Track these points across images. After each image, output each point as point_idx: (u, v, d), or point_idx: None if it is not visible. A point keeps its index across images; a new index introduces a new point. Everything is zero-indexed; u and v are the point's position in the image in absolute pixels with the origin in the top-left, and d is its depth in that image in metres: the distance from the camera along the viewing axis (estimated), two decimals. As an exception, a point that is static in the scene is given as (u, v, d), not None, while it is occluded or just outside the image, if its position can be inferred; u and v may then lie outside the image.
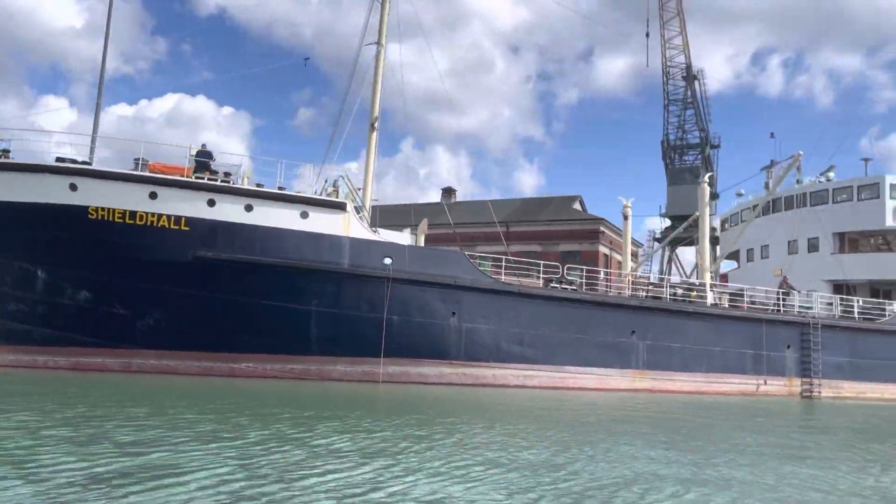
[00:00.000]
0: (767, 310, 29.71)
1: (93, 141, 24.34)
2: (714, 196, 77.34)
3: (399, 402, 18.94)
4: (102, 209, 22.38)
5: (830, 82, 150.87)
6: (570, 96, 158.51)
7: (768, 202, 38.43)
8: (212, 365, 23.11)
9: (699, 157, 78.92)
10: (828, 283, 34.44)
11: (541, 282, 26.98)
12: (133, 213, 22.45)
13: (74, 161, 23.19)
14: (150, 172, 22.94)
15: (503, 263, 26.30)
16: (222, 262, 22.59)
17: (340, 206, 23.90)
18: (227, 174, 23.54)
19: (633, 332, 26.63)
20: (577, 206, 68.41)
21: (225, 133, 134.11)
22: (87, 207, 22.39)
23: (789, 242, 36.95)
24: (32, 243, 22.78)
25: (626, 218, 38.03)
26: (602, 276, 31.30)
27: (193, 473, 7.25)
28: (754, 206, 39.99)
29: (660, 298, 28.08)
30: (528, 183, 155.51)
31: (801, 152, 32.17)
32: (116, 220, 22.44)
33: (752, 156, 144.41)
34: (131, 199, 22.48)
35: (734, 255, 42.69)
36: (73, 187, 22.37)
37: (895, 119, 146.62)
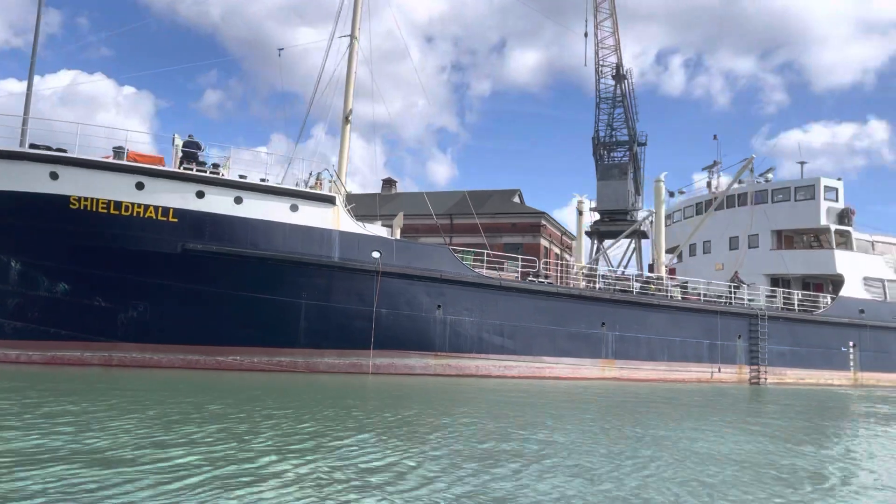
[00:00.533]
0: (721, 302, 31.71)
1: (24, 123, 23.01)
2: (638, 192, 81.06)
3: (392, 394, 19.39)
4: (85, 199, 21.70)
5: (727, 83, 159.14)
6: (483, 88, 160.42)
7: (710, 200, 40.73)
8: (197, 358, 22.84)
9: (627, 154, 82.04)
10: (766, 276, 36.90)
11: (518, 275, 27.86)
12: (118, 204, 21.86)
13: (49, 148, 22.34)
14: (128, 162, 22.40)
15: (484, 258, 27.04)
16: (212, 254, 22.33)
17: (330, 200, 24.01)
18: (215, 165, 23.23)
19: (603, 323, 27.96)
20: (516, 199, 69.98)
21: (125, 114, 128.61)
22: (69, 197, 21.65)
23: (730, 238, 39.30)
24: (6, 233, 21.82)
25: (580, 213, 39.51)
26: (575, 270, 32.49)
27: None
28: (697, 203, 42.37)
29: (627, 292, 29.54)
30: (442, 174, 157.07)
31: (754, 156, 34.28)
32: (100, 210, 21.80)
33: (657, 152, 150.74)
34: (117, 190, 21.88)
35: (674, 250, 44.94)
36: (54, 176, 21.58)
37: (784, 120, 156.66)
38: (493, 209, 63.92)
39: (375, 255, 24.09)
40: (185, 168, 22.65)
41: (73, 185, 21.65)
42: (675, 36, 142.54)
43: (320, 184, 25.25)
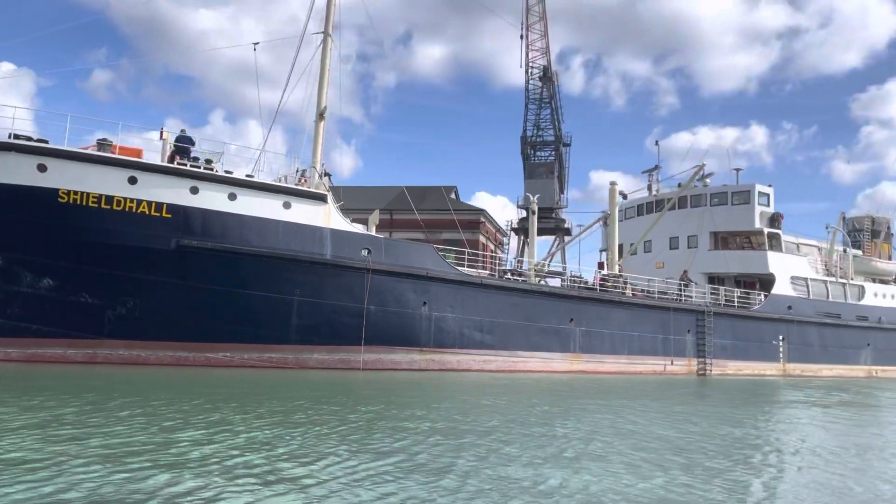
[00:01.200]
0: (673, 300, 33.89)
1: None
2: (562, 190, 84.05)
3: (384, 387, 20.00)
4: (75, 193, 21.13)
5: (624, 85, 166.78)
6: (388, 80, 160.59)
7: (651, 202, 43.18)
8: (187, 355, 22.65)
9: (553, 153, 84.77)
10: (704, 275, 39.54)
11: (491, 272, 28.93)
12: (110, 198, 21.41)
13: (30, 138, 21.58)
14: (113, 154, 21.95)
15: (466, 256, 27.94)
16: (206, 250, 22.21)
17: (322, 198, 24.27)
18: (208, 161, 23.03)
19: (571, 319, 29.46)
20: (452, 195, 71.17)
21: (3, 91, 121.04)
22: (58, 190, 21.03)
23: (670, 239, 41.80)
24: (-13, 227, 20.97)
25: (533, 213, 40.97)
26: (534, 267, 33.81)
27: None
28: (638, 205, 44.73)
29: (592, 289, 31.17)
30: (347, 165, 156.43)
31: (704, 163, 36.67)
32: (91, 204, 21.28)
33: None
34: (109, 184, 21.42)
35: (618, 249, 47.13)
36: (43, 168, 20.91)
37: (674, 122, 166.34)
38: (433, 205, 64.82)
39: (365, 252, 24.55)
40: (179, 163, 22.38)
41: (63, 178, 21.04)
42: (577, 36, 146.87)
43: (305, 181, 25.44)
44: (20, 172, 20.81)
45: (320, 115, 30.07)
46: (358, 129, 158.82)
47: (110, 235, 21.47)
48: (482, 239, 63.84)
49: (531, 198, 41.36)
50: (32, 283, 21.54)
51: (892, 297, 44.45)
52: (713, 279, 39.41)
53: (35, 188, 20.91)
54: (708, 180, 41.70)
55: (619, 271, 36.00)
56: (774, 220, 39.44)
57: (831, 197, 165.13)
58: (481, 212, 64.69)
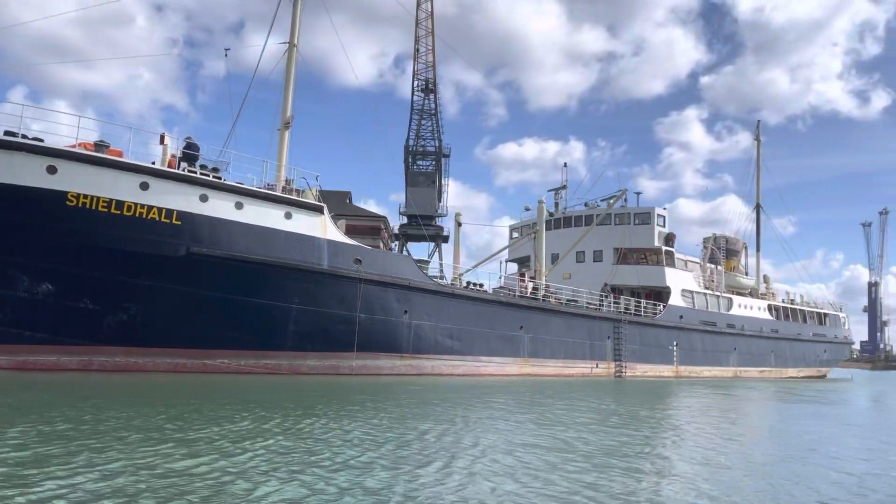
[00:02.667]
0: (595, 309, 37.65)
1: None
2: (440, 199, 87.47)
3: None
4: (85, 196, 20.63)
5: (457, 94, 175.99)
6: (218, 69, 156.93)
7: (560, 218, 47.17)
8: (184, 361, 22.70)
9: (433, 163, 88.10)
10: (608, 287, 43.95)
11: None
12: (120, 203, 21.09)
13: (39, 139, 20.79)
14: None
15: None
16: (215, 258, 22.41)
17: (318, 209, 25.12)
18: (215, 169, 23.16)
19: (521, 326, 32.17)
20: (347, 201, 71.88)
21: None
22: (67, 193, 20.44)
23: (577, 252, 45.89)
24: (-17, 228, 19.94)
25: (458, 225, 43.35)
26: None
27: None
28: (547, 221, 48.48)
29: (537, 300, 34.07)
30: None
31: (626, 189, 40.78)
32: (100, 209, 20.86)
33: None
34: (120, 188, 21.09)
35: (524, 261, 50.64)
36: (52, 170, 20.24)
37: (503, 132, 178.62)
38: (335, 210, 65.31)
39: (355, 263, 25.69)
40: (189, 170, 22.41)
41: (73, 181, 20.48)
42: (412, 41, 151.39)
43: (298, 191, 26.08)
44: (29, 173, 20.02)
45: (285, 125, 30.68)
46: (182, 118, 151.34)
47: (120, 241, 21.13)
48: (381, 246, 65.25)
49: (456, 210, 43.63)
50: (29, 287, 20.69)
51: (750, 307, 51.59)
52: (615, 290, 43.89)
53: (42, 190, 20.18)
54: (612, 201, 46.31)
55: (545, 282, 39.31)
56: (669, 239, 44.71)
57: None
58: (382, 219, 66.12)
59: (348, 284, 25.28)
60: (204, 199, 22.38)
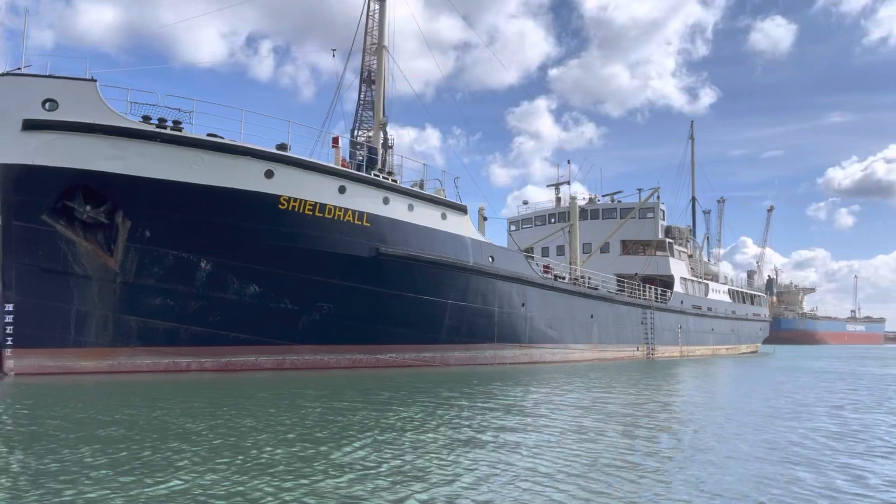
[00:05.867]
0: (638, 297, 41.07)
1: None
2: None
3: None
4: (295, 200, 21.18)
5: (312, 77, 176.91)
6: (44, 38, 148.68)
7: (564, 212, 50.31)
8: (360, 357, 23.70)
9: (382, 154, 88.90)
10: (615, 275, 47.63)
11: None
12: (323, 206, 21.77)
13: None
14: None
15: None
16: (398, 258, 23.47)
17: (463, 209, 26.57)
18: (390, 173, 24.09)
19: (592, 315, 34.97)
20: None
21: None
22: (280, 197, 20.92)
23: (583, 244, 49.21)
24: (198, 230, 20.06)
25: (484, 219, 45.38)
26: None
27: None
28: (549, 214, 51.51)
29: (596, 289, 36.94)
30: None
31: (658, 186, 44.49)
32: (306, 212, 21.47)
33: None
34: (323, 192, 21.76)
35: (528, 251, 53.27)
36: (270, 174, 20.65)
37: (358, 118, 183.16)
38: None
39: (490, 259, 27.40)
40: (374, 174, 23.28)
41: (285, 185, 20.99)
42: (268, 21, 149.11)
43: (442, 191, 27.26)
44: (249, 177, 20.32)
45: (381, 125, 31.71)
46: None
47: (321, 242, 21.81)
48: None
49: (481, 204, 45.59)
50: (239, 289, 20.98)
51: (720, 292, 57.27)
52: (620, 279, 47.66)
53: (260, 194, 20.55)
54: (617, 196, 49.95)
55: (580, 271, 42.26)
56: (669, 231, 48.98)
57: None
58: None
59: (487, 280, 26.96)
60: (386, 201, 23.37)
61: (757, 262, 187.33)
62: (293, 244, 21.35)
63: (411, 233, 24.17)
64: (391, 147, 29.01)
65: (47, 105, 18.33)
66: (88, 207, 19.04)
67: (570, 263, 41.95)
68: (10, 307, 18.40)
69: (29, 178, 18.32)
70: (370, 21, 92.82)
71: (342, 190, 22.15)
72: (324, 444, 8.27)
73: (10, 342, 18.39)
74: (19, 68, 18.81)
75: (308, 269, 21.76)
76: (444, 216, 25.52)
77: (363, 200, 22.74)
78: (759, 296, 72.09)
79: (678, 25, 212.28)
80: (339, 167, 22.42)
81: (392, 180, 24.02)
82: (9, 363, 18.39)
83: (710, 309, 53.18)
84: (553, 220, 50.66)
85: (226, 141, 20.10)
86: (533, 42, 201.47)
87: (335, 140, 24.02)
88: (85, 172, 18.69)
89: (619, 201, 49.43)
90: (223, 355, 21.10)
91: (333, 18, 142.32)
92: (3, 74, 18.49)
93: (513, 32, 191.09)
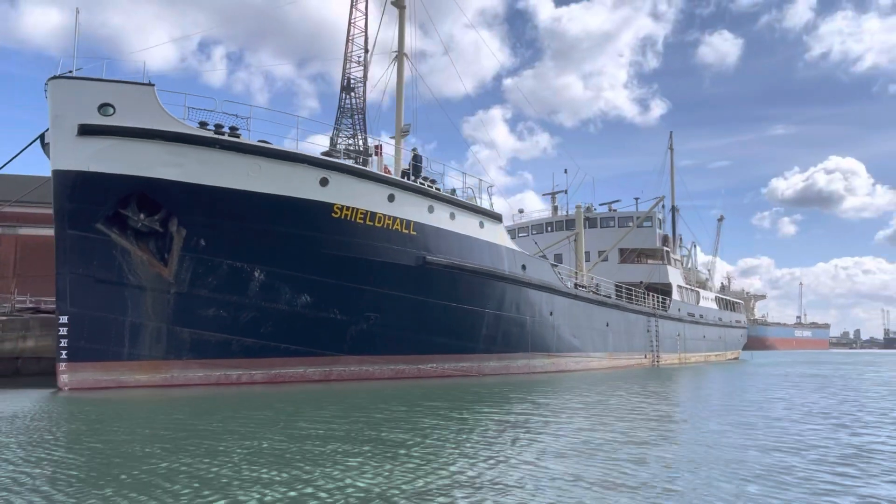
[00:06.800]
0: (645, 305, 41.45)
1: None
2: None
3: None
4: (347, 208, 20.86)
5: (266, 83, 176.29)
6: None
7: (562, 220, 50.65)
8: (404, 367, 23.41)
9: (359, 161, 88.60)
10: (613, 283, 48.08)
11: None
12: (373, 215, 21.49)
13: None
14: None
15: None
16: (441, 266, 23.27)
17: (499, 218, 26.50)
18: (433, 181, 23.89)
19: (608, 323, 35.18)
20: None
21: None
22: (333, 205, 20.58)
23: (580, 252, 49.57)
24: (253, 239, 19.61)
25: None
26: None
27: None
28: (547, 223, 51.78)
29: (610, 297, 37.18)
30: None
31: (663, 196, 44.99)
32: (357, 220, 21.16)
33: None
34: (373, 200, 21.48)
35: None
36: (324, 182, 20.30)
37: (312, 125, 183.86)
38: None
39: (521, 268, 27.37)
40: (420, 181, 23.06)
41: (339, 193, 20.66)
42: (220, 27, 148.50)
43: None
44: (305, 185, 19.95)
45: (403, 133, 31.52)
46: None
47: (372, 251, 21.51)
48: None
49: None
50: (291, 300, 20.54)
51: (709, 299, 58.27)
52: (618, 287, 48.15)
53: (315, 202, 20.19)
54: (614, 206, 50.45)
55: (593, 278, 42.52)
56: (665, 239, 49.67)
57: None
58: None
59: (520, 289, 26.92)
60: (431, 210, 23.18)
61: (708, 270, 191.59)
62: (345, 253, 21.01)
63: (454, 241, 24.01)
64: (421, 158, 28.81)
65: (104, 110, 17.73)
66: (142, 215, 18.45)
67: (577, 272, 42.21)
68: (64, 319, 17.67)
69: (84, 185, 17.67)
70: (352, 29, 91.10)
71: (391, 198, 21.89)
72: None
73: (64, 356, 17.65)
74: (70, 71, 18.17)
75: (358, 278, 21.43)
76: (481, 224, 25.42)
77: (410, 209, 22.51)
78: (738, 303, 73.63)
79: (630, 38, 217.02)
80: (390, 175, 22.16)
81: (435, 188, 23.83)
82: (63, 378, 17.65)
83: (701, 316, 54.04)
84: (550, 229, 50.90)
85: (284, 148, 19.72)
86: (488, 53, 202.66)
87: (378, 148, 23.75)
88: (143, 180, 18.11)
89: (615, 210, 49.98)
90: (273, 367, 20.61)
91: (290, 25, 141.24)
92: (55, 77, 17.83)
93: (468, 42, 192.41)
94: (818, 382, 24.66)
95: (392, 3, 32.20)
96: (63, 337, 17.64)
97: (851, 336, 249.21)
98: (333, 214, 20.61)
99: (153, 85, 18.24)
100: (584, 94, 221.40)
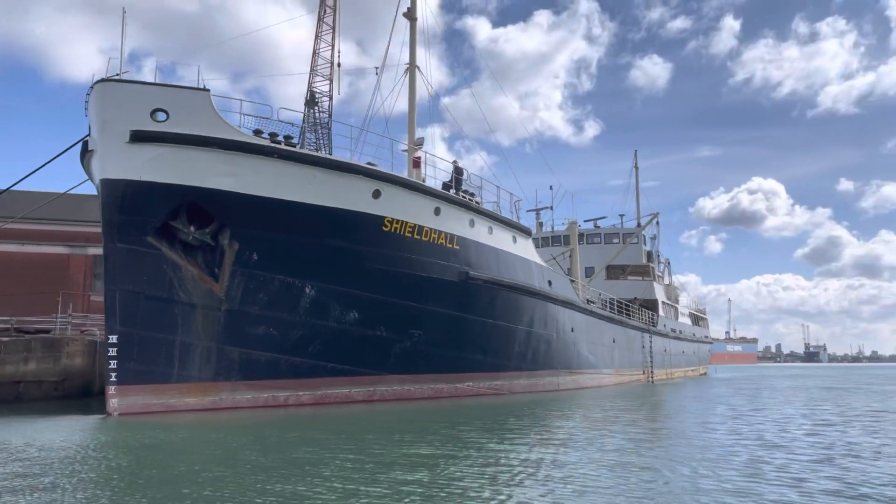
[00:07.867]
0: (642, 321, 41.64)
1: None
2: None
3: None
4: (397, 221, 20.15)
5: None
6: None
7: (548, 237, 50.73)
8: (442, 386, 22.71)
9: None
10: (616, 300, 48.30)
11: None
12: (420, 229, 20.83)
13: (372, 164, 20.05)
14: None
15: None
16: (483, 282, 22.73)
17: (529, 232, 26.17)
18: (472, 194, 23.38)
19: (614, 339, 35.16)
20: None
21: None
22: (384, 218, 19.84)
23: (567, 269, 49.67)
24: (306, 253, 18.70)
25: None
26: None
27: None
28: (534, 239, 51.73)
29: (620, 315, 37.20)
30: None
31: (658, 212, 45.22)
32: (406, 234, 20.46)
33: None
34: (421, 213, 20.83)
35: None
36: (377, 194, 19.56)
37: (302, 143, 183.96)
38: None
39: (548, 284, 27.05)
40: (463, 195, 22.52)
41: (390, 205, 19.95)
42: (152, 37, 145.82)
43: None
44: (357, 197, 19.17)
45: (416, 145, 30.99)
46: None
47: (417, 266, 20.82)
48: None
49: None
50: (340, 316, 19.62)
51: (684, 315, 59.21)
52: (619, 304, 48.41)
53: (367, 215, 19.42)
54: (600, 222, 50.83)
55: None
56: (650, 256, 50.25)
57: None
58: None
59: (546, 305, 26.57)
60: (472, 224, 22.66)
61: (680, 285, 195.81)
62: (393, 268, 20.25)
63: (492, 256, 23.51)
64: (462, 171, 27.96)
65: (157, 115, 16.65)
66: (192, 228, 17.36)
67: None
68: (114, 338, 16.38)
69: (136, 196, 16.51)
70: (318, 42, 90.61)
71: (437, 212, 21.28)
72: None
73: (113, 378, 16.34)
74: (117, 74, 17.03)
75: (404, 294, 20.66)
76: (514, 239, 25.03)
77: (454, 223, 21.93)
78: (704, 318, 75.10)
79: (565, 60, 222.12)
80: (436, 189, 21.56)
81: (476, 202, 23.34)
82: (112, 402, 16.31)
83: (681, 332, 54.80)
84: (538, 245, 50.83)
85: (340, 159, 18.93)
86: (427, 70, 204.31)
87: (416, 161, 23.15)
88: (195, 189, 17.04)
89: (599, 227, 50.32)
90: (320, 388, 19.63)
91: (224, 39, 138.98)
92: (103, 80, 16.66)
93: (406, 60, 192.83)
94: (859, 397, 24.97)
95: (404, 16, 31.72)
96: (112, 358, 16.33)
97: (773, 350, 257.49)
98: (384, 228, 19.86)
99: (208, 90, 17.26)
100: (520, 114, 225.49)
